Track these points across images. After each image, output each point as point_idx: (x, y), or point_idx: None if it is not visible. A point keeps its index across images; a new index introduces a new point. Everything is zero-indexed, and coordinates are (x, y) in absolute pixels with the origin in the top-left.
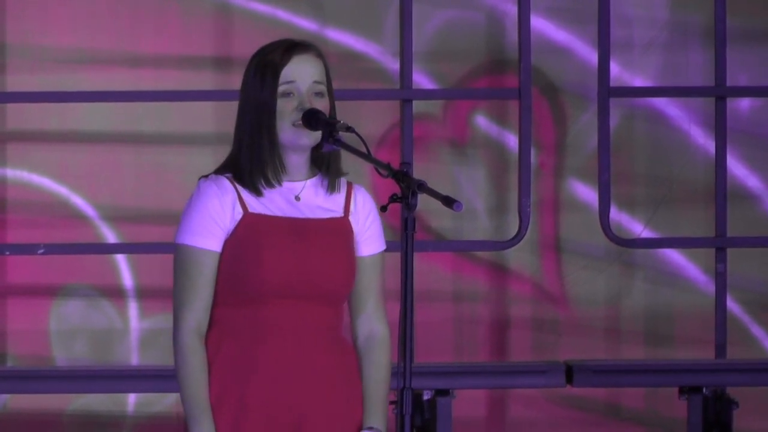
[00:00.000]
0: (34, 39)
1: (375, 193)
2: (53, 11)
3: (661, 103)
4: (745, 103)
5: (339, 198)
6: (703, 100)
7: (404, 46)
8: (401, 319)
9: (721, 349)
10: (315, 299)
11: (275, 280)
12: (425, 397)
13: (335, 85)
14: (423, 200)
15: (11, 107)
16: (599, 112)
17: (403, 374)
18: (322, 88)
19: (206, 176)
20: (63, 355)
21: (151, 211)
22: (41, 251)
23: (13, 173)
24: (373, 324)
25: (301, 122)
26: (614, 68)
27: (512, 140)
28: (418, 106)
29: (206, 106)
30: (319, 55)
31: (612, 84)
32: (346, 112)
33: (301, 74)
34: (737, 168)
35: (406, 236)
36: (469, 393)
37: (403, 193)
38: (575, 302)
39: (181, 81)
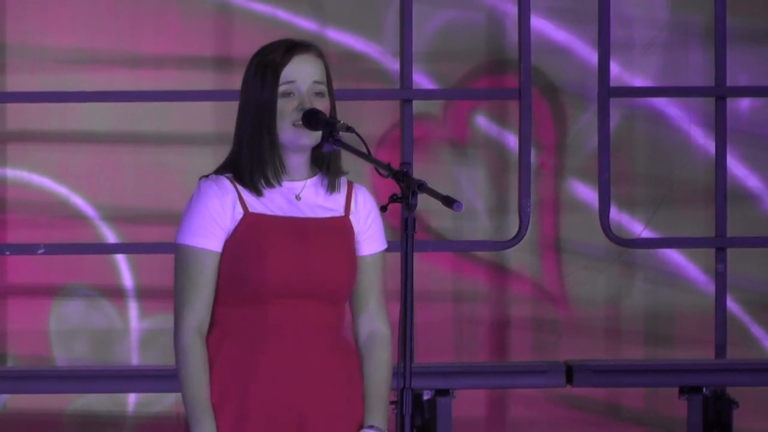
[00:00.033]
0: (34, 39)
1: (375, 193)
2: (53, 11)
3: (661, 103)
4: (745, 103)
5: (340, 197)
6: (703, 100)
7: (404, 46)
8: (401, 319)
9: (721, 349)
10: (316, 299)
11: (276, 279)
12: (425, 397)
13: (335, 86)
14: (423, 200)
15: (11, 107)
16: (599, 112)
17: (403, 374)
18: (323, 88)
19: (207, 176)
20: (63, 355)
21: (151, 211)
22: (41, 251)
23: (13, 173)
24: (375, 323)
25: (301, 122)
26: (614, 68)
27: (512, 140)
28: (418, 106)
29: (206, 106)
30: (320, 55)
31: (612, 84)
32: (347, 113)
33: (301, 74)
34: (737, 168)
35: (406, 236)
36: (469, 393)
37: (403, 193)
38: (575, 302)
39: (181, 81)
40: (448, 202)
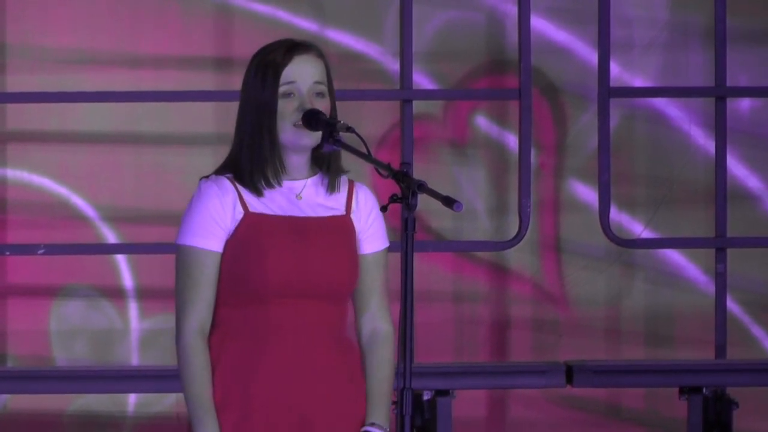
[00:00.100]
0: (34, 39)
1: (375, 194)
2: (53, 11)
3: (661, 103)
4: (745, 104)
5: (340, 196)
6: (703, 101)
7: (404, 46)
8: (401, 319)
9: (721, 349)
10: (317, 298)
11: (276, 279)
12: (425, 398)
13: (335, 86)
14: (423, 200)
15: (11, 107)
16: (599, 112)
17: (403, 374)
18: (323, 88)
19: (207, 177)
20: (63, 356)
21: (151, 211)
22: (41, 251)
23: (13, 173)
24: (377, 322)
25: (301, 123)
26: (614, 68)
27: (512, 140)
28: (418, 106)
29: (206, 107)
30: (320, 55)
31: (612, 84)
32: (347, 113)
33: (302, 75)
34: (737, 168)
35: (406, 236)
36: (469, 393)
37: (403, 194)
38: (575, 302)
39: (181, 81)
40: (448, 202)
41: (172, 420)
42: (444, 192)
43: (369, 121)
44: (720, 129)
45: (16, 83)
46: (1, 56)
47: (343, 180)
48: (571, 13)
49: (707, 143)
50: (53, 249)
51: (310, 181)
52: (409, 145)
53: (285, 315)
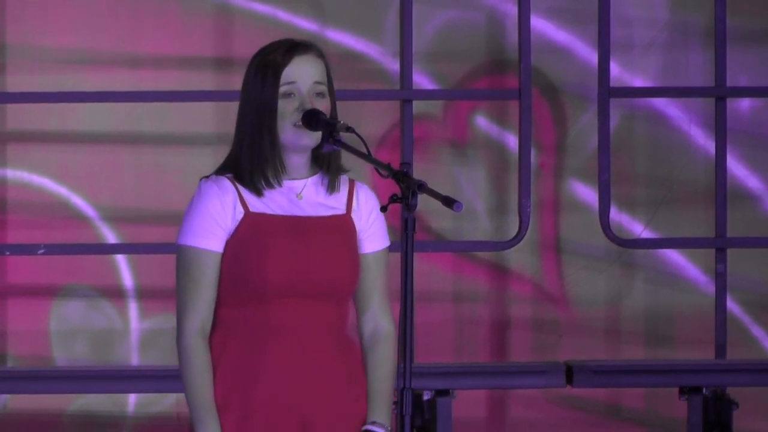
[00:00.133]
0: (34, 39)
1: (375, 194)
2: (53, 11)
3: (661, 103)
4: (745, 104)
5: (341, 195)
6: (703, 101)
7: (404, 46)
8: (401, 319)
9: (721, 349)
10: (318, 297)
11: (277, 279)
12: (425, 398)
13: (335, 86)
14: (423, 201)
15: (11, 107)
16: (599, 112)
17: (403, 374)
18: (323, 88)
19: (207, 177)
20: (63, 356)
21: (151, 211)
22: (41, 251)
23: (13, 173)
24: (378, 321)
25: (301, 123)
26: (614, 68)
27: (512, 141)
28: (418, 106)
29: (206, 107)
30: (320, 55)
31: (612, 84)
32: (347, 113)
33: (302, 75)
34: (737, 168)
35: (406, 236)
36: (469, 393)
37: (403, 194)
38: (575, 303)
39: (181, 81)
40: (448, 202)
41: (172, 420)
42: (444, 192)
43: (369, 121)
44: (720, 129)
45: (16, 83)
46: (1, 56)
47: (344, 179)
48: (571, 13)
49: (707, 143)
50: (53, 249)
51: (310, 180)
52: (409, 145)
53: (286, 315)
